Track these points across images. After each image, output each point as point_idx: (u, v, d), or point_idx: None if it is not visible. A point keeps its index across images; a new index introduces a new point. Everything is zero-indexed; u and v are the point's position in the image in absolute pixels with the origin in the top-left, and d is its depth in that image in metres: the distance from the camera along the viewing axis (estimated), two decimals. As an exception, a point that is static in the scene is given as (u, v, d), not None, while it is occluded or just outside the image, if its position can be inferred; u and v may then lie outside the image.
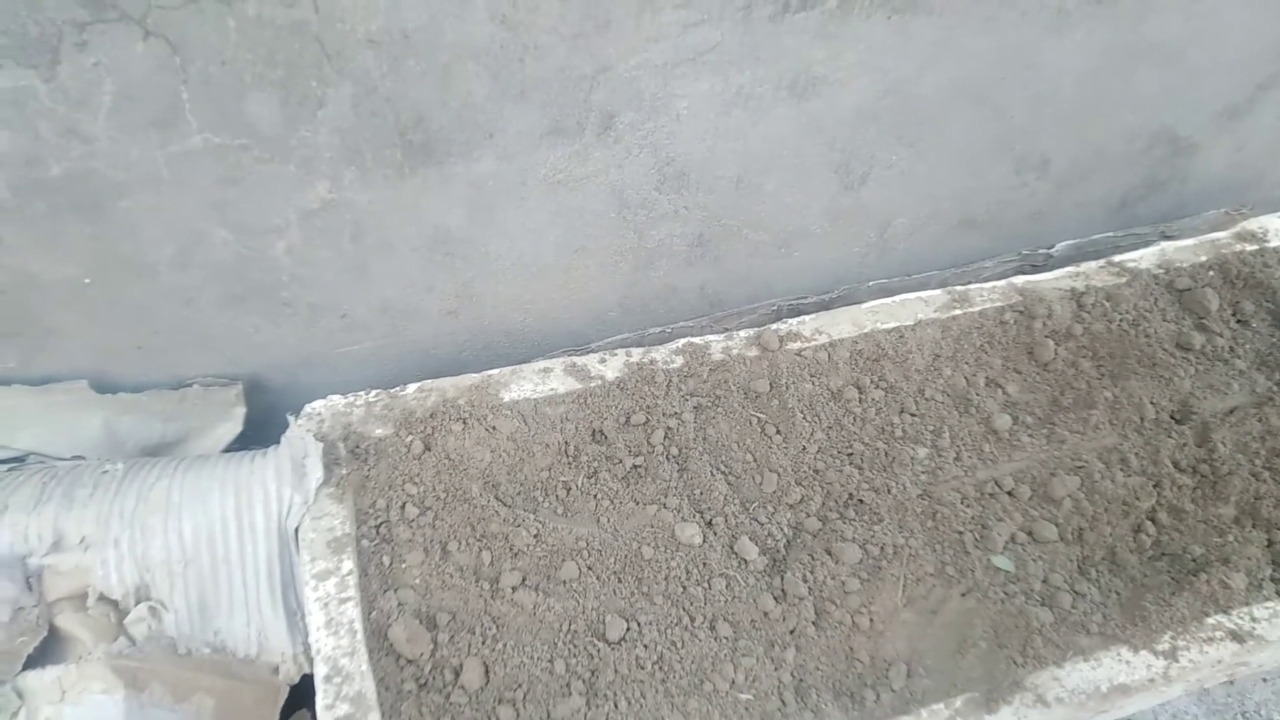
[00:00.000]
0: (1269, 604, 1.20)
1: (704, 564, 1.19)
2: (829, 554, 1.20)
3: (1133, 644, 1.15)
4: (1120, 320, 1.52)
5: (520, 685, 1.06)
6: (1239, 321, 1.54)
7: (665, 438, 1.32)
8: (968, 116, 1.45)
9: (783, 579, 1.18)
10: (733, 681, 1.09)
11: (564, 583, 1.16)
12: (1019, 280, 1.57)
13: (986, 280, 1.59)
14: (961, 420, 1.38)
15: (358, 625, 1.08)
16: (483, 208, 1.25)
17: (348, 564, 1.13)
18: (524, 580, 1.15)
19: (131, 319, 1.19)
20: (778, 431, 1.34)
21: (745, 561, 1.19)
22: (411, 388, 1.32)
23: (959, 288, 1.55)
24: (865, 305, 1.51)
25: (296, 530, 1.16)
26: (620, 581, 1.17)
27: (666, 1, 1.10)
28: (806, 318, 1.49)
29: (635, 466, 1.28)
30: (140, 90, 0.95)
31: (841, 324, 1.48)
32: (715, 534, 1.22)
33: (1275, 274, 1.59)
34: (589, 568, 1.18)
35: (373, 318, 1.35)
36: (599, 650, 1.10)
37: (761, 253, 1.54)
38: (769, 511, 1.25)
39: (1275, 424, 1.39)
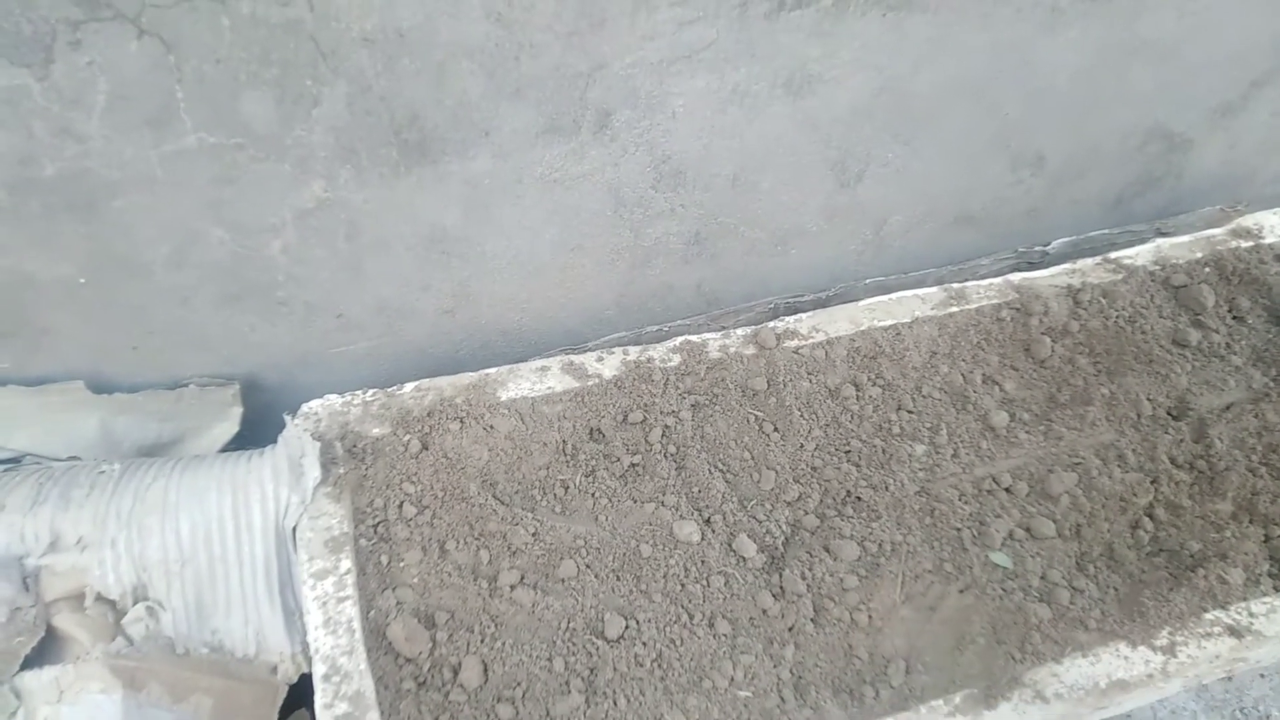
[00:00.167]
0: (1266, 599, 1.20)
1: (702, 562, 1.19)
2: (827, 551, 1.20)
3: (1131, 640, 1.15)
4: (1117, 317, 1.52)
5: (519, 683, 1.06)
6: (1235, 318, 1.55)
7: (663, 436, 1.32)
8: (963, 114, 1.45)
9: (781, 576, 1.18)
10: (732, 679, 1.09)
11: (562, 581, 1.16)
12: (1015, 277, 1.58)
13: (983, 278, 1.60)
14: (959, 417, 1.38)
15: (356, 624, 1.08)
16: (479, 206, 1.25)
17: (346, 563, 1.13)
18: (522, 579, 1.15)
19: (127, 319, 1.19)
20: (775, 429, 1.34)
21: (744, 559, 1.19)
22: (408, 387, 1.32)
23: (955, 285, 1.55)
24: (862, 303, 1.51)
25: (294, 530, 1.16)
26: (619, 579, 1.17)
27: (662, -1, 1.10)
28: (803, 315, 1.49)
29: (633, 465, 1.28)
30: (134, 89, 0.95)
31: (838, 322, 1.48)
32: (713, 532, 1.22)
33: (1271, 270, 1.60)
34: (587, 566, 1.18)
35: (369, 317, 1.34)
36: (598, 648, 1.10)
37: (758, 251, 1.54)
38: (767, 509, 1.25)
39: (1271, 420, 1.39)
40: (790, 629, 1.14)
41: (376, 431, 1.27)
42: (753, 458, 1.31)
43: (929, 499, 1.27)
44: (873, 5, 1.22)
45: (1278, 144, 1.82)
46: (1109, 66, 1.49)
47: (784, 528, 1.23)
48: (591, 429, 1.32)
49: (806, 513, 1.25)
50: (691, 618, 1.14)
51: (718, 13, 1.14)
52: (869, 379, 1.41)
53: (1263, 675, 1.93)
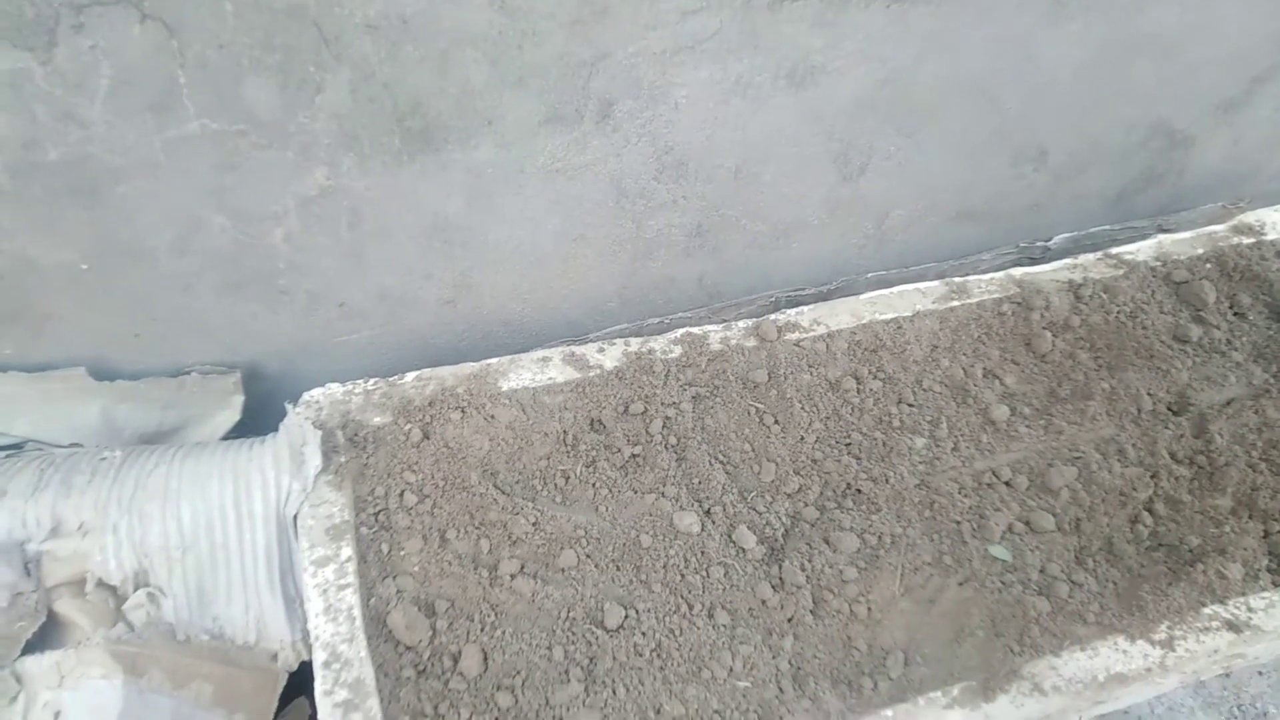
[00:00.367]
0: (1265, 594, 1.20)
1: (702, 552, 1.19)
2: (827, 543, 1.21)
3: (1129, 633, 1.16)
4: (1118, 312, 1.52)
5: (519, 672, 1.06)
6: (1236, 314, 1.55)
7: (663, 427, 1.32)
8: (965, 107, 1.45)
9: (781, 568, 1.18)
10: (730, 669, 1.09)
11: (562, 570, 1.16)
12: (1017, 272, 1.58)
13: (984, 272, 1.60)
14: (959, 411, 1.38)
15: (356, 612, 1.08)
16: (481, 195, 1.24)
17: (346, 551, 1.13)
18: (522, 568, 1.15)
19: (129, 306, 1.19)
20: (776, 421, 1.34)
21: (743, 550, 1.19)
22: (410, 376, 1.32)
23: (957, 279, 1.55)
24: (863, 296, 1.51)
25: (295, 517, 1.16)
26: (619, 569, 1.17)
27: (666, -11, 1.10)
28: (805, 308, 1.49)
29: (634, 455, 1.28)
30: (137, 74, 0.94)
31: (840, 315, 1.48)
32: (713, 523, 1.22)
33: (1272, 267, 1.60)
34: (587, 556, 1.18)
35: (371, 306, 1.34)
36: (597, 637, 1.10)
37: (760, 243, 1.54)
38: (767, 501, 1.25)
39: (1272, 416, 1.39)
40: (789, 620, 1.14)
41: (378, 420, 1.27)
42: (753, 450, 1.31)
43: (929, 492, 1.27)
44: (876, -3, 1.22)
45: (1280, 141, 1.82)
46: (1111, 61, 1.49)
47: (784, 519, 1.24)
48: (592, 420, 1.32)
49: (806, 505, 1.25)
50: (691, 608, 1.14)
51: (721, 3, 1.14)
52: (870, 372, 1.41)
53: (1260, 672, 1.93)
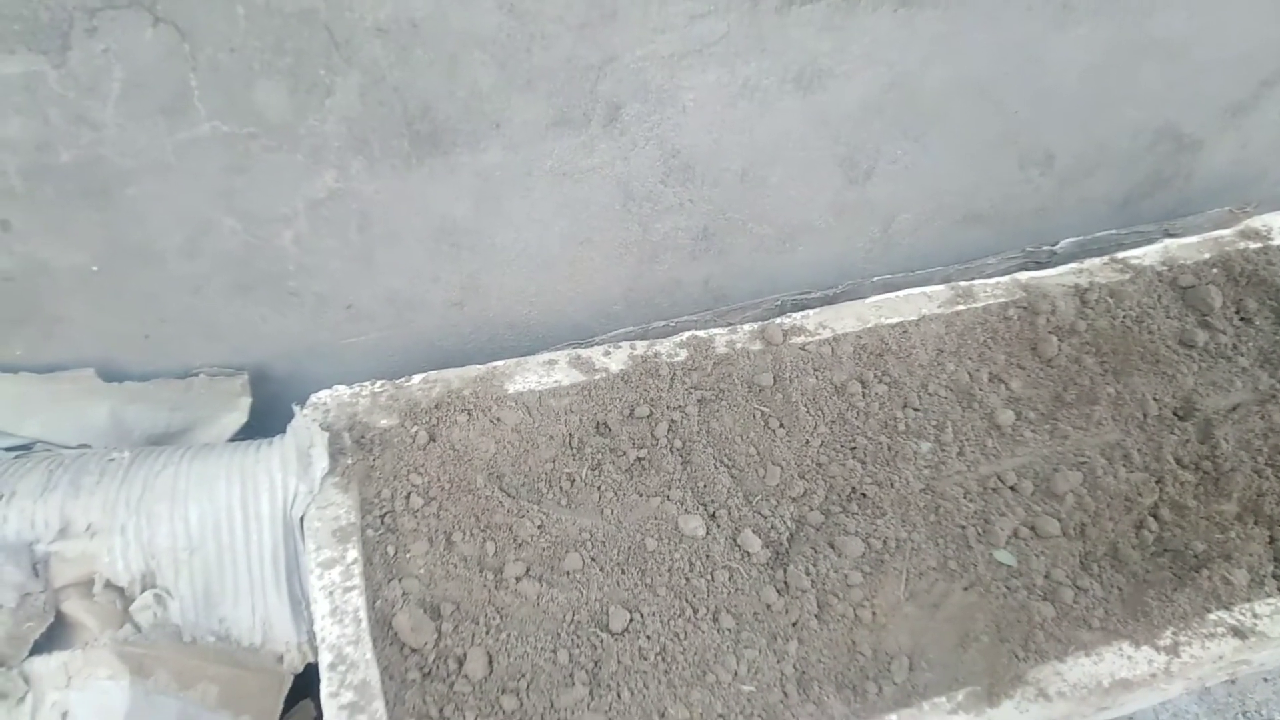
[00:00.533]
0: (1271, 600, 1.20)
1: (707, 556, 1.19)
2: (832, 547, 1.21)
3: (1135, 639, 1.15)
4: (1124, 317, 1.52)
5: (524, 675, 1.07)
6: (1242, 319, 1.54)
7: (669, 430, 1.32)
8: (972, 111, 1.45)
9: (785, 572, 1.18)
10: (735, 673, 1.09)
11: (568, 573, 1.16)
12: (1023, 276, 1.58)
13: (990, 276, 1.60)
14: (964, 415, 1.38)
15: (362, 614, 1.08)
16: (489, 198, 1.25)
17: (353, 553, 1.13)
18: (528, 571, 1.16)
19: (139, 307, 1.20)
20: (781, 425, 1.34)
21: (748, 554, 1.19)
22: (416, 378, 1.33)
23: (963, 284, 1.55)
24: (869, 300, 1.51)
25: (302, 519, 1.16)
26: (624, 573, 1.17)
27: (674, -7, 1.10)
28: (810, 312, 1.49)
29: (639, 459, 1.28)
30: (149, 77, 0.95)
31: (845, 319, 1.48)
32: (718, 526, 1.22)
33: (1279, 272, 1.59)
34: (592, 559, 1.18)
35: (378, 308, 1.35)
36: (602, 641, 1.10)
37: (766, 247, 1.54)
38: (772, 504, 1.25)
39: (1278, 421, 1.39)
40: (794, 624, 1.14)
41: (384, 423, 1.27)
42: (758, 453, 1.31)
43: (934, 496, 1.27)
44: (883, 1, 1.22)
45: (1288, 146, 1.82)
46: (1119, 65, 1.49)
47: (789, 523, 1.24)
48: (598, 423, 1.32)
49: (811, 509, 1.26)
50: (696, 612, 1.14)
51: (729, 6, 1.14)
52: (875, 376, 1.41)
53: (1266, 679, 1.93)
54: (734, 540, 1.21)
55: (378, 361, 1.43)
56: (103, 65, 0.92)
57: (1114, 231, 1.83)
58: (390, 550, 1.15)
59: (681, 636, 1.11)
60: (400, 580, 1.13)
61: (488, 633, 1.10)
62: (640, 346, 1.41)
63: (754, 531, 1.21)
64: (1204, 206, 1.88)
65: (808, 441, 1.33)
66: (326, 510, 1.17)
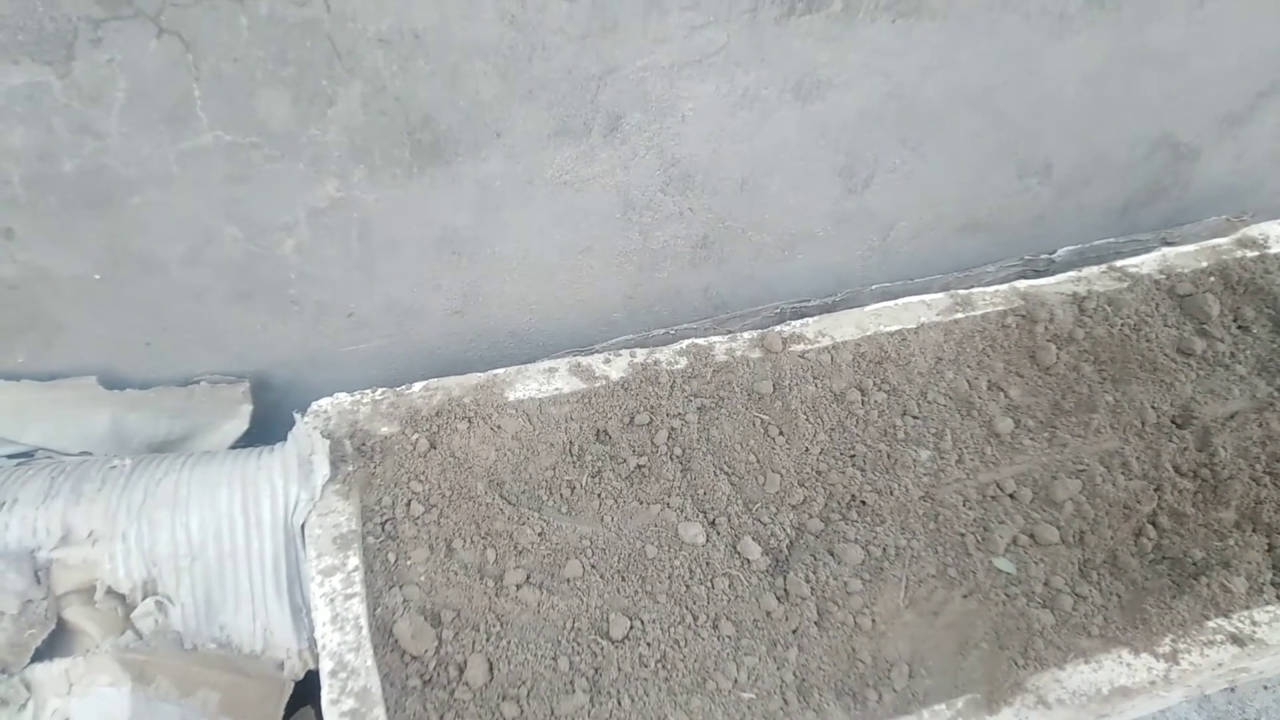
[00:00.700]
0: (1269, 608, 1.20)
1: (707, 563, 1.19)
2: (831, 555, 1.21)
3: (1134, 646, 1.16)
4: (1122, 325, 1.53)
5: (524, 682, 1.07)
6: (1240, 327, 1.55)
7: (669, 438, 1.32)
8: (970, 120, 1.46)
9: (785, 579, 1.18)
10: (735, 680, 1.09)
11: (568, 581, 1.17)
12: (1021, 284, 1.58)
13: (989, 284, 1.60)
14: (963, 423, 1.38)
15: (363, 621, 1.08)
16: (490, 207, 1.25)
17: (354, 560, 1.13)
18: (528, 578, 1.16)
19: (141, 315, 1.20)
20: (781, 433, 1.35)
21: (748, 561, 1.20)
22: (417, 386, 1.33)
23: (961, 291, 1.56)
24: (868, 308, 1.52)
25: (303, 526, 1.16)
26: (624, 580, 1.17)
27: (673, 3, 1.11)
28: (810, 320, 1.50)
29: (639, 466, 1.29)
30: (153, 87, 0.96)
31: (844, 327, 1.48)
32: (718, 534, 1.22)
33: (1276, 280, 1.60)
34: (593, 566, 1.18)
35: (379, 316, 1.35)
36: (603, 648, 1.10)
37: (765, 255, 1.54)
38: (772, 512, 1.26)
39: (1276, 429, 1.39)
40: (794, 631, 1.14)
41: (385, 430, 1.27)
42: (758, 461, 1.31)
43: (933, 504, 1.28)
44: (882, 11, 1.23)
45: (1284, 155, 1.83)
46: (1117, 75, 1.50)
47: (789, 531, 1.24)
48: (598, 430, 1.32)
49: (811, 516, 1.26)
50: (696, 619, 1.14)
51: (728, 17, 1.15)
52: (874, 384, 1.41)
53: (1266, 686, 1.93)
54: (734, 547, 1.21)
55: (378, 369, 1.44)
56: (107, 75, 0.93)
57: (1112, 240, 1.84)
58: (391, 557, 1.16)
59: (682, 644, 1.12)
60: (401, 587, 1.13)
61: (488, 640, 1.10)
62: (640, 354, 1.41)
63: (754, 539, 1.21)
64: (1201, 215, 1.89)
65: (807, 449, 1.33)
66: (327, 517, 1.17)
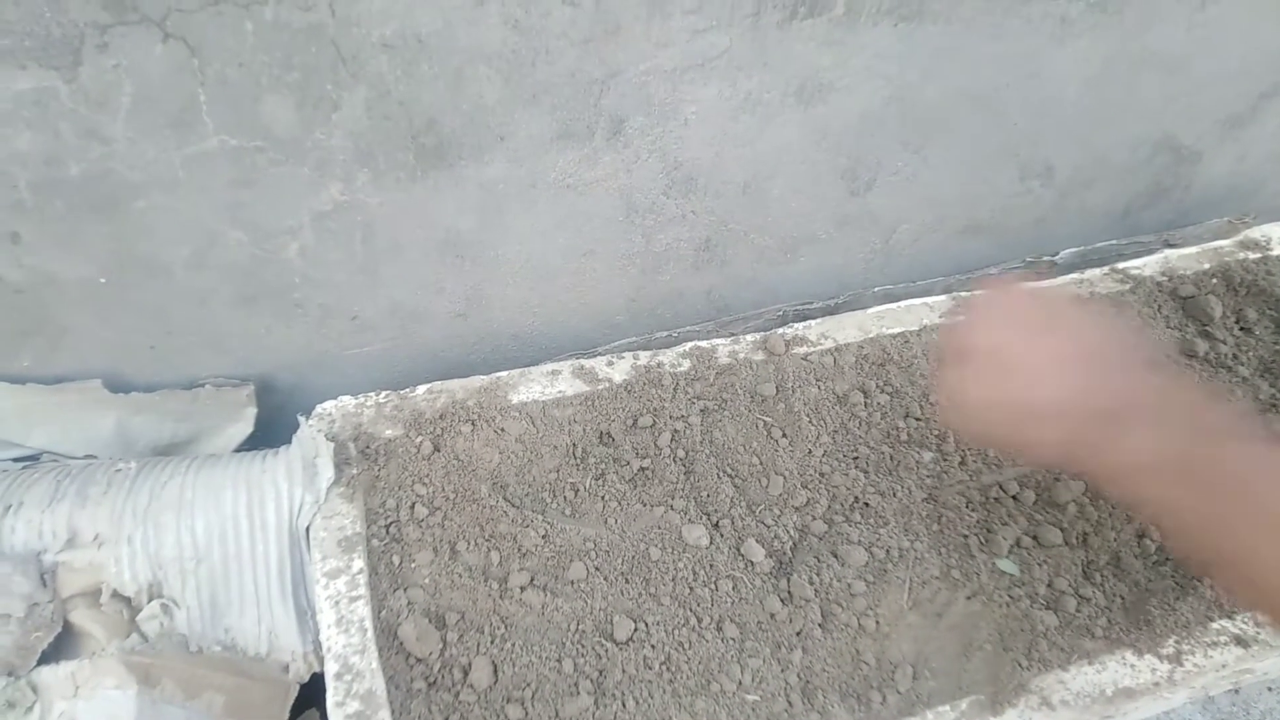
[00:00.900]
0: (1273, 608, 1.20)
1: (711, 566, 1.20)
2: (835, 556, 1.21)
3: (1137, 648, 1.16)
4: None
5: (529, 684, 1.07)
6: (1242, 329, 1.55)
7: (672, 440, 1.33)
8: (972, 123, 1.47)
9: (789, 581, 1.18)
10: (739, 682, 1.09)
11: (572, 583, 1.17)
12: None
13: (991, 286, 1.60)
14: (967, 425, 1.38)
15: (368, 623, 1.09)
16: (493, 211, 1.26)
17: (358, 563, 1.14)
18: (532, 580, 1.16)
19: (146, 319, 1.21)
20: (784, 435, 1.35)
21: (752, 563, 1.20)
22: (421, 389, 1.33)
23: (964, 294, 1.56)
24: (871, 310, 1.52)
25: (308, 529, 1.17)
26: (628, 582, 1.17)
27: (676, 7, 1.11)
28: (812, 323, 1.50)
29: (642, 469, 1.29)
30: (158, 92, 0.96)
31: (847, 329, 1.49)
32: (722, 536, 1.23)
33: (1278, 282, 1.60)
34: (597, 568, 1.18)
35: (383, 319, 1.36)
36: (607, 650, 1.11)
37: (768, 258, 1.55)
38: (775, 514, 1.26)
39: (1279, 430, 1.40)
40: (798, 634, 1.14)
41: (389, 433, 1.28)
42: (761, 463, 1.32)
43: (936, 506, 1.28)
44: (884, 15, 1.23)
45: (1286, 157, 1.83)
46: (1118, 78, 1.50)
47: (792, 533, 1.24)
48: (601, 433, 1.33)
49: (814, 518, 1.26)
50: (700, 621, 1.14)
51: (731, 21, 1.15)
52: (877, 386, 1.42)
53: (1270, 688, 1.93)
54: (737, 550, 1.21)
55: (382, 372, 1.44)
56: (113, 80, 0.93)
57: (1114, 242, 1.84)
58: (395, 560, 1.16)
59: (686, 646, 1.12)
60: (405, 590, 1.13)
61: (492, 642, 1.10)
62: (643, 357, 1.42)
63: (757, 541, 1.22)
64: (1203, 217, 1.89)
65: (810, 451, 1.33)
66: (332, 520, 1.18)
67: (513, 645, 1.10)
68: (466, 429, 1.29)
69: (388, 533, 1.18)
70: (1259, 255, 1.66)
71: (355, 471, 1.23)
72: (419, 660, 1.08)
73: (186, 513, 1.15)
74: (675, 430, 1.33)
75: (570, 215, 1.32)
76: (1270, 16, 1.51)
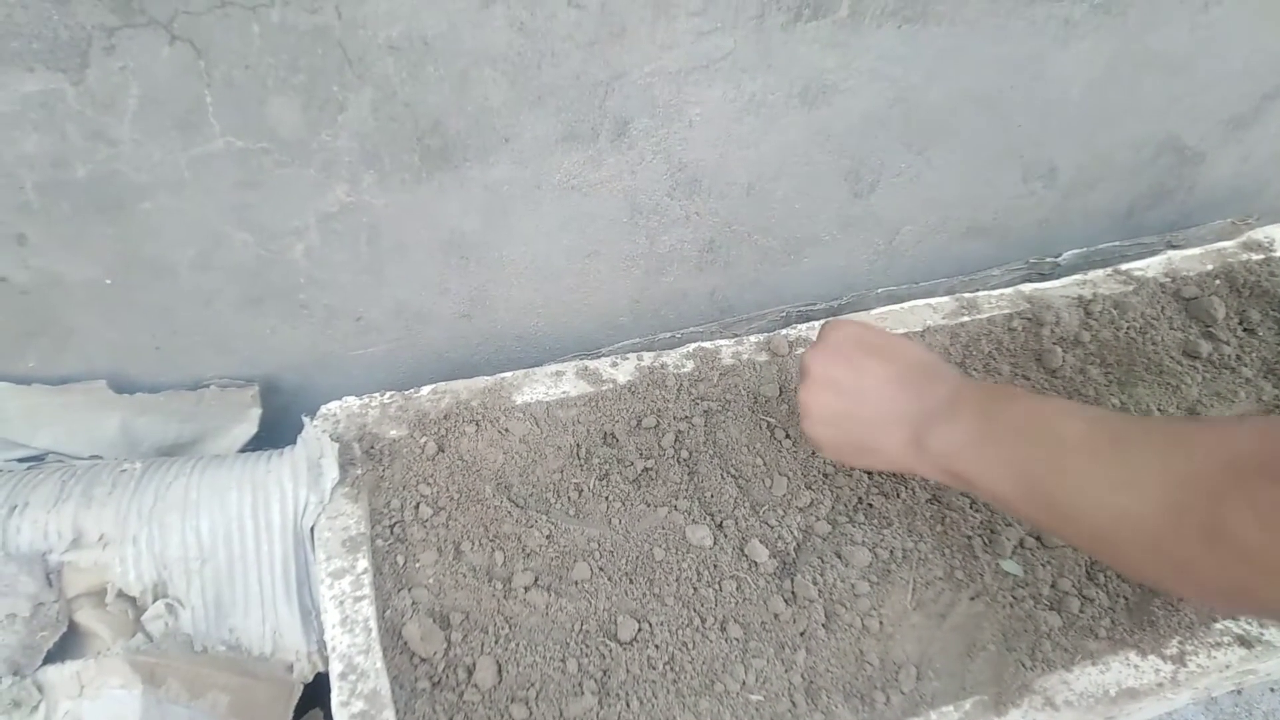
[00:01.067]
0: (1276, 610, 1.20)
1: (714, 566, 1.20)
2: (839, 557, 1.21)
3: (1141, 649, 1.16)
4: (1128, 328, 1.53)
5: (533, 684, 1.07)
6: (1245, 330, 1.55)
7: (676, 441, 1.33)
8: (976, 125, 1.47)
9: (793, 581, 1.18)
10: (743, 682, 1.10)
11: (576, 583, 1.17)
12: (1027, 288, 1.59)
13: (994, 288, 1.61)
14: (970, 426, 1.38)
15: (372, 623, 1.09)
16: (498, 212, 1.26)
17: (363, 563, 1.14)
18: (536, 580, 1.16)
19: (151, 320, 1.21)
20: (787, 436, 1.35)
21: (755, 564, 1.20)
22: (425, 390, 1.34)
23: (967, 295, 1.56)
24: (874, 312, 1.53)
25: (312, 529, 1.17)
26: (632, 582, 1.18)
27: (680, 9, 1.11)
28: (816, 324, 1.50)
29: (646, 469, 1.29)
30: (165, 93, 0.96)
31: (850, 330, 1.49)
32: (726, 536, 1.23)
33: (1282, 283, 1.61)
34: (600, 569, 1.19)
35: (387, 320, 1.36)
36: (611, 650, 1.11)
37: (771, 259, 1.55)
38: (779, 515, 1.26)
39: (1282, 431, 1.39)
40: (802, 634, 1.14)
41: (394, 433, 1.28)
42: (764, 464, 1.32)
43: (940, 507, 1.28)
44: (888, 17, 1.23)
45: (1289, 158, 1.83)
46: (1121, 79, 1.50)
47: (796, 534, 1.24)
48: (605, 433, 1.33)
49: (818, 519, 1.26)
50: (704, 621, 1.15)
51: (735, 23, 1.15)
52: (881, 387, 1.41)
53: (1273, 689, 1.93)
54: (741, 550, 1.22)
55: (386, 373, 1.44)
56: (120, 82, 0.93)
57: (1117, 243, 1.85)
58: (400, 560, 1.16)
59: (690, 646, 1.12)
60: (410, 590, 1.14)
61: (497, 642, 1.11)
62: (647, 358, 1.42)
63: (761, 541, 1.22)
64: (1206, 218, 1.89)
65: (814, 452, 1.33)
66: (336, 520, 1.18)
67: (517, 645, 1.11)
68: (471, 429, 1.29)
69: (392, 533, 1.19)
70: (1262, 256, 1.66)
71: (360, 472, 1.23)
72: (423, 660, 1.08)
73: (191, 513, 1.15)
74: (679, 431, 1.34)
75: (574, 216, 1.32)
76: (1273, 17, 1.52)
